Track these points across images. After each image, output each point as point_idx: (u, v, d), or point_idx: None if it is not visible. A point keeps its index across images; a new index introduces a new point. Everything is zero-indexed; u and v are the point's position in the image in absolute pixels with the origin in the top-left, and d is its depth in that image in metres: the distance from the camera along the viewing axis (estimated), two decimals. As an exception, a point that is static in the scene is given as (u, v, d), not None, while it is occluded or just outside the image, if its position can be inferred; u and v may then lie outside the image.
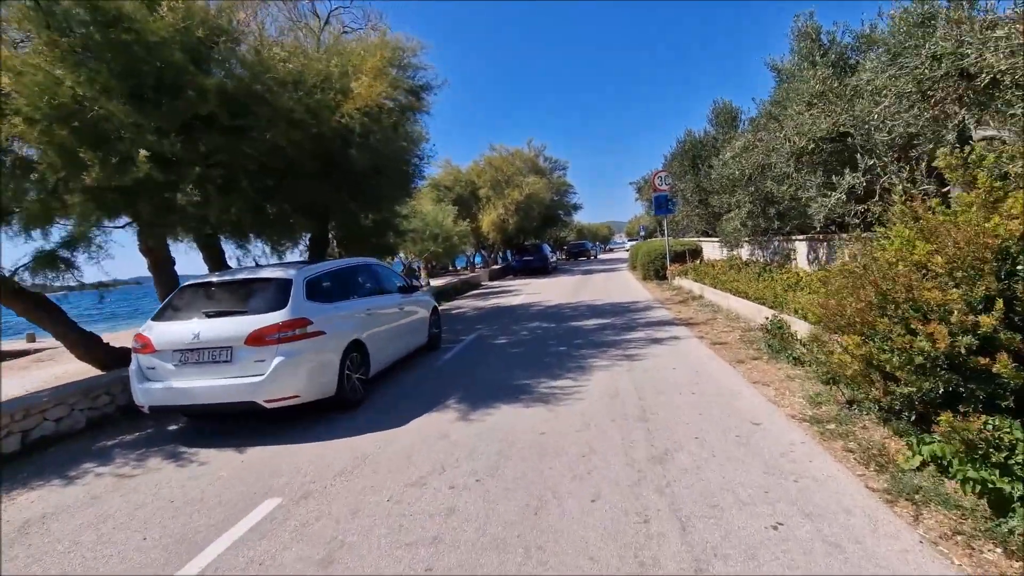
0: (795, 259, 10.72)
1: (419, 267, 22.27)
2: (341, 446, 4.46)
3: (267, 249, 11.75)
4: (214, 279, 5.64)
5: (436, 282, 23.04)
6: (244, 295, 5.32)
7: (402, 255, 19.21)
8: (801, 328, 6.17)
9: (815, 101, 6.57)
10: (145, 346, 5.02)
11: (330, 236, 14.40)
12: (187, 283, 5.72)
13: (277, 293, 5.23)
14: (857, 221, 6.07)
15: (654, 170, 16.35)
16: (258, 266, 7.93)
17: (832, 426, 3.93)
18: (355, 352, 5.76)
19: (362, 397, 5.77)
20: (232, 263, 10.78)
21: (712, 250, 18.56)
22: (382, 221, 12.78)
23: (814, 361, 4.84)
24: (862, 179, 5.76)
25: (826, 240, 9.39)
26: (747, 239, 10.34)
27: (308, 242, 11.62)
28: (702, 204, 12.53)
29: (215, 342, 4.86)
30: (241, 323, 4.92)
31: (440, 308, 15.91)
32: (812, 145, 6.69)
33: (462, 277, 22.88)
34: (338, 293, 5.94)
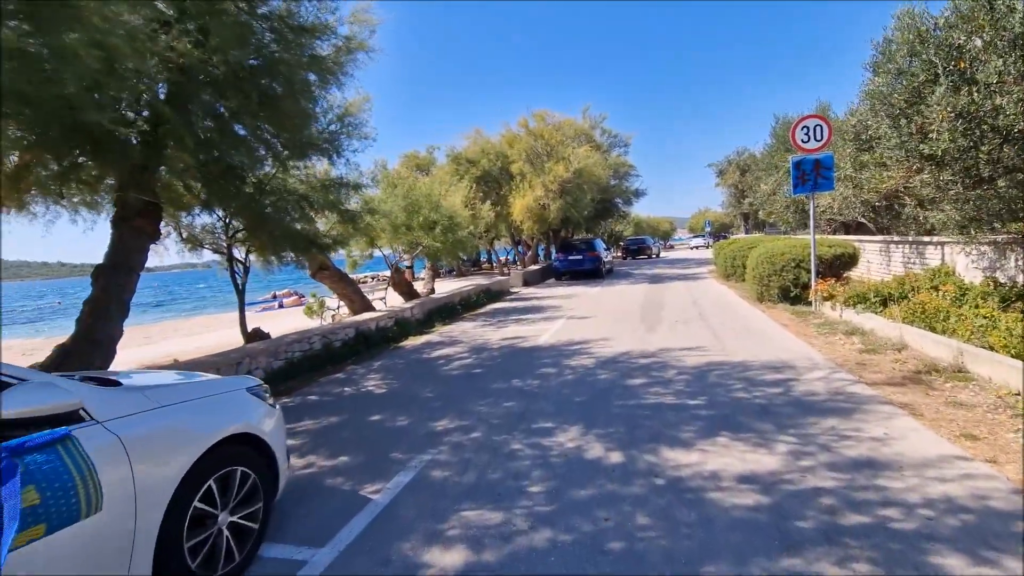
0: None
1: (414, 267, 16.23)
2: None
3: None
4: None
5: (445, 287, 17.07)
6: None
7: (386, 251, 13.31)
8: None
9: None
10: None
11: (224, 217, 8.45)
12: None
13: None
14: None
15: (801, 114, 9.55)
16: None
17: None
18: None
19: None
20: None
21: (875, 255, 11.45)
22: (271, 188, 6.79)
23: None
24: None
25: None
26: None
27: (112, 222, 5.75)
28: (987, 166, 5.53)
29: None
30: None
31: (425, 337, 9.85)
32: None
33: (484, 283, 16.76)
34: None
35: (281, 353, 7.27)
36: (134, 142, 4.88)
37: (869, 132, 7.10)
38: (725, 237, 38.62)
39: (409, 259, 14.75)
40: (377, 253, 13.51)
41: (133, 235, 5.53)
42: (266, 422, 3.00)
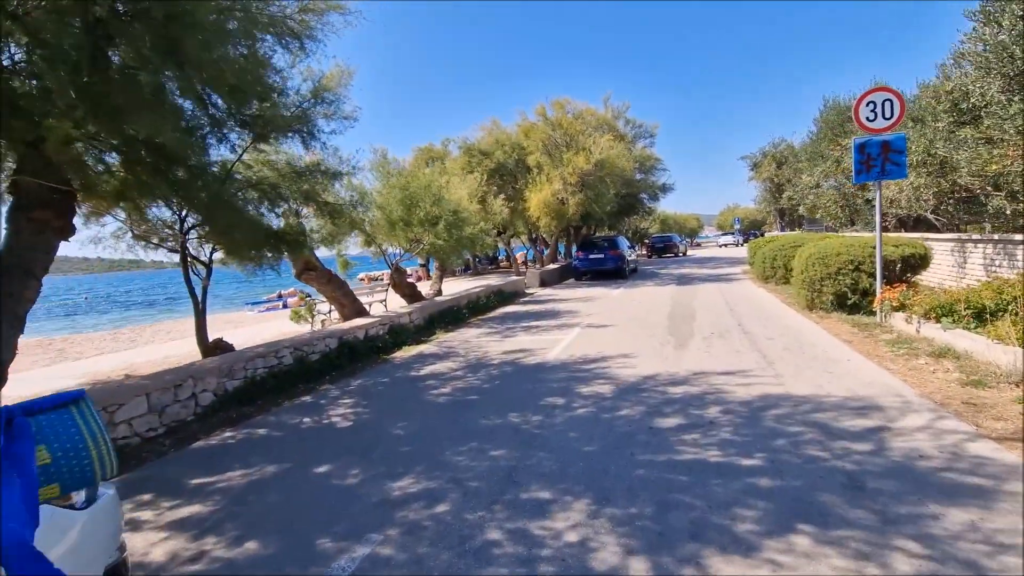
0: None
1: (428, 265, 15.03)
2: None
3: None
4: None
5: (456, 287, 15.86)
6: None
7: (391, 249, 12.13)
8: None
9: None
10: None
11: (179, 210, 7.25)
12: None
13: None
14: None
15: (871, 86, 8.05)
16: None
17: None
18: None
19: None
20: None
21: (946, 256, 9.77)
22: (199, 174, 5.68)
23: None
24: None
25: None
26: None
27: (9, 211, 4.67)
28: None
29: None
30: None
31: (420, 348, 8.61)
32: None
33: (496, 284, 15.54)
34: None
35: (238, 371, 6.13)
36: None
37: (972, 100, 5.52)
38: (756, 235, 36.55)
39: (422, 258, 13.57)
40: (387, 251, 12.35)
41: (33, 231, 4.43)
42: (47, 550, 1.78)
